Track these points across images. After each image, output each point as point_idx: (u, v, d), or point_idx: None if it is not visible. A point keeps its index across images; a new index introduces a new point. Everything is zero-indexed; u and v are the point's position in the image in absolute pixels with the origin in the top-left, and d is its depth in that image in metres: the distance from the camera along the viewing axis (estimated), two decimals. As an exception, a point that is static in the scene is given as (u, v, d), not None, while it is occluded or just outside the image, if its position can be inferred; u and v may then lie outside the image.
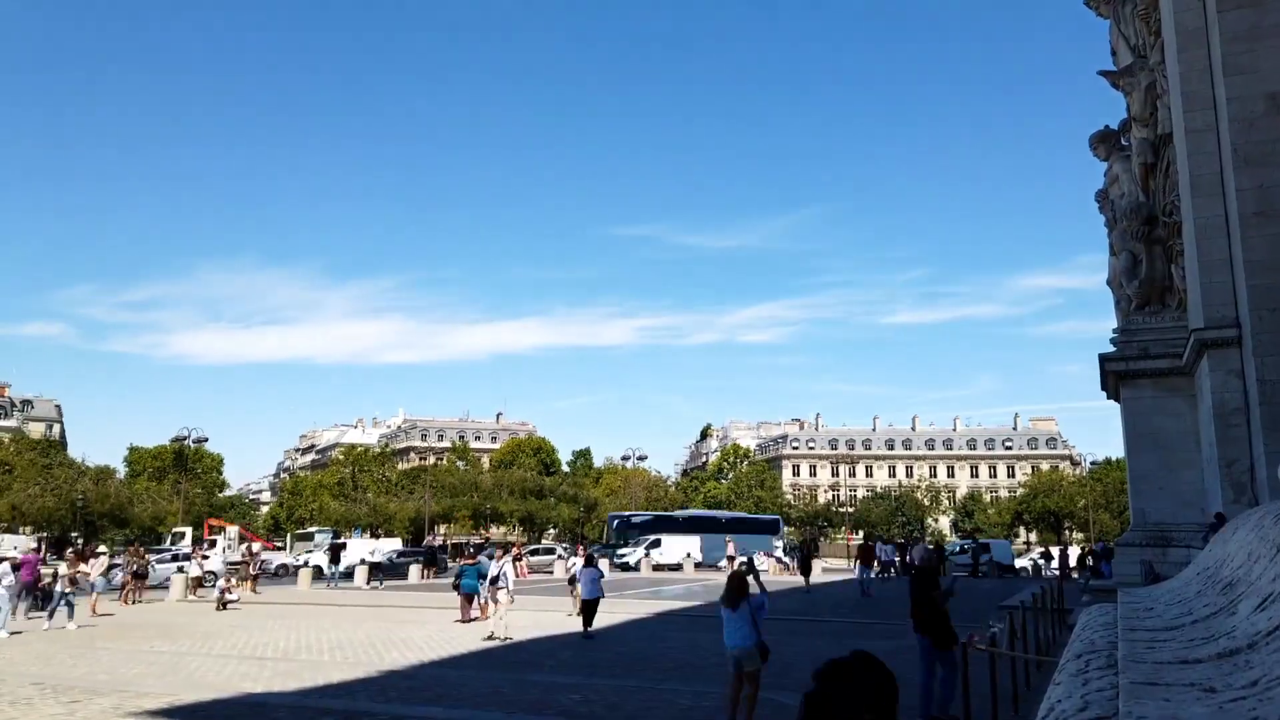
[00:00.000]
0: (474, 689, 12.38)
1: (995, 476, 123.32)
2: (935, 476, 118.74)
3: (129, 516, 77.43)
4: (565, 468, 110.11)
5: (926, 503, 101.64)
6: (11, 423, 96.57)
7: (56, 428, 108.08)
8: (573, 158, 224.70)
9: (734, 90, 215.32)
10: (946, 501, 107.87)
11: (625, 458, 74.21)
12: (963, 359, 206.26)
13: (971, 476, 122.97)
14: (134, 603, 27.88)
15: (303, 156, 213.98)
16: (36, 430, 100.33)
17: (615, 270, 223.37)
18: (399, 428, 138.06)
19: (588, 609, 18.43)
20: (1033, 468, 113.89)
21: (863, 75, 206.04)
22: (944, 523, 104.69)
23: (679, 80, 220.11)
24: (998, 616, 15.57)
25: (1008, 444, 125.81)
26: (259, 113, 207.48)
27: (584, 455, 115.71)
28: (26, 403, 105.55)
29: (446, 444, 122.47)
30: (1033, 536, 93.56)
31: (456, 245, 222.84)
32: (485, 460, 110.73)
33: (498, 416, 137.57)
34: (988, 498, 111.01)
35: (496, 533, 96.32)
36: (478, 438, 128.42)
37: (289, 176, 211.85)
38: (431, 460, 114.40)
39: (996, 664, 9.76)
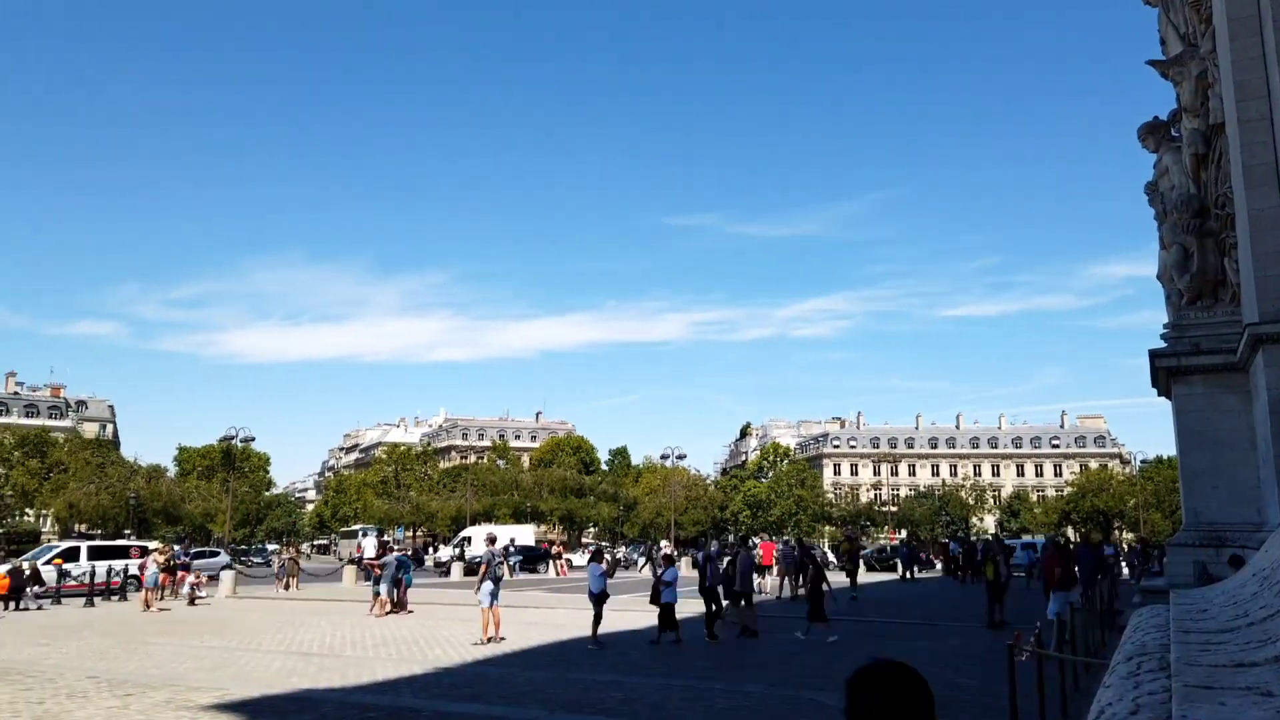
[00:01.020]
0: (516, 686, 12.47)
1: (1042, 475, 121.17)
2: (980, 475, 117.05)
3: (181, 514, 79.24)
4: (604, 467, 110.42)
5: (971, 502, 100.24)
6: (67, 423, 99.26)
7: (110, 427, 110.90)
8: (625, 146, 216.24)
9: (793, 72, 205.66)
10: (991, 501, 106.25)
11: (664, 456, 74.12)
12: (1027, 353, 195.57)
13: (1017, 475, 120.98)
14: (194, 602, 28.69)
15: (349, 150, 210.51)
16: (90, 430, 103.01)
17: (668, 262, 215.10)
18: (440, 427, 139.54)
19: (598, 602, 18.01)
20: (1081, 466, 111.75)
21: (929, 55, 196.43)
22: (989, 522, 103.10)
23: (734, 63, 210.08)
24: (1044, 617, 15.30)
25: (1055, 442, 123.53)
26: (304, 108, 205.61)
27: (622, 454, 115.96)
28: (81, 403, 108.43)
29: (486, 443, 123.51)
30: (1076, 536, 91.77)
31: (506, 238, 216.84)
32: (525, 459, 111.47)
33: (537, 415, 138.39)
34: (1034, 497, 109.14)
35: (537, 531, 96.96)
36: (517, 436, 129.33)
37: (335, 171, 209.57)
38: (472, 459, 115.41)
39: (1044, 666, 9.59)
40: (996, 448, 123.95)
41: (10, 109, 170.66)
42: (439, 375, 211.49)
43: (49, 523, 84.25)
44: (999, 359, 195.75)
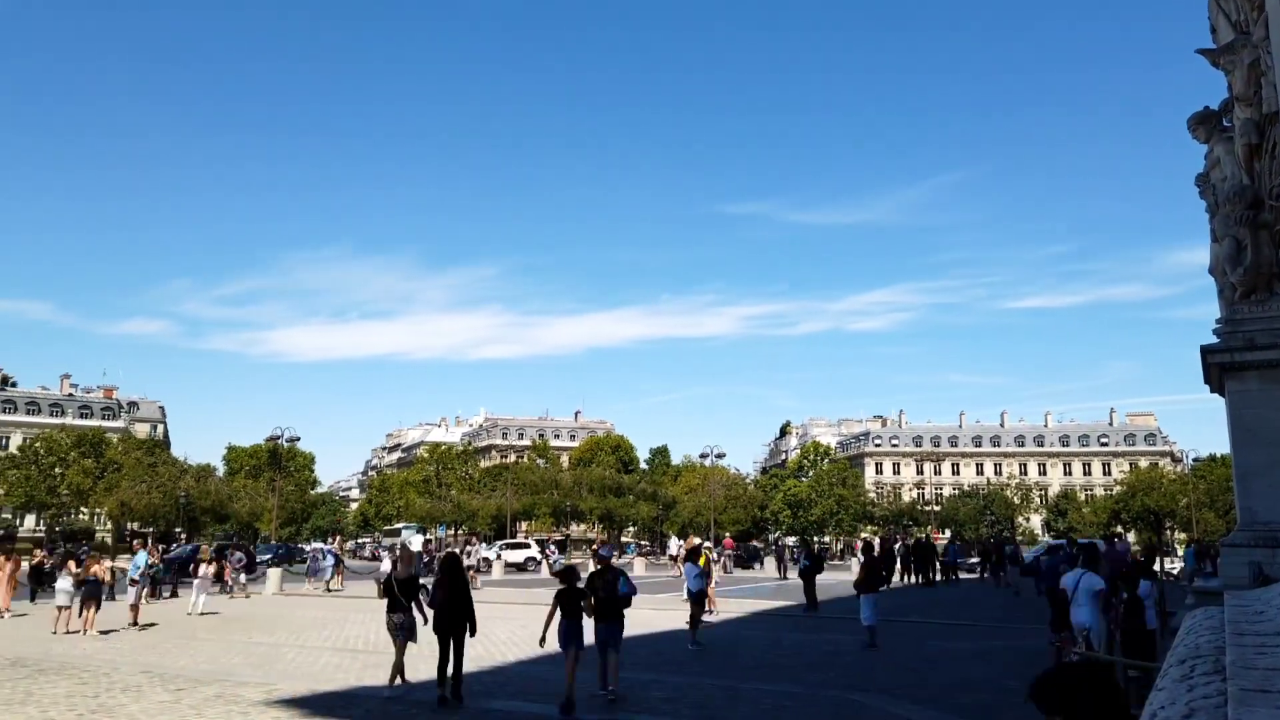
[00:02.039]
0: (556, 685, 12.51)
1: (1090, 474, 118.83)
2: (1026, 474, 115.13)
3: (229, 513, 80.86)
4: (643, 466, 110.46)
5: (1017, 501, 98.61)
6: (119, 424, 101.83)
7: (160, 428, 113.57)
8: (680, 131, 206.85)
9: (858, 49, 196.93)
10: (1038, 500, 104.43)
11: (704, 455, 73.97)
12: (1093, 347, 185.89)
13: (1065, 474, 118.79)
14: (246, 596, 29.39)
15: (395, 142, 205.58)
16: (142, 430, 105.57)
17: (723, 253, 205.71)
18: (480, 426, 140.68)
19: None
20: (1130, 465, 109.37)
21: (1001, 26, 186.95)
22: (1035, 522, 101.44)
23: (794, 40, 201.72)
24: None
25: (1104, 440, 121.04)
26: (348, 101, 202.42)
27: (661, 453, 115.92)
28: (133, 404, 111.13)
29: (526, 442, 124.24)
30: (1131, 536, 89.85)
31: (557, 229, 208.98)
32: (564, 458, 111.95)
33: (576, 415, 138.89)
34: (1082, 496, 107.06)
35: (577, 530, 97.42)
36: (557, 436, 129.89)
37: (381, 164, 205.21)
38: (512, 458, 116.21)
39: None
40: (1043, 446, 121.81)
41: (57, 113, 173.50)
42: (483, 373, 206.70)
43: (103, 521, 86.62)
44: (1063, 353, 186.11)
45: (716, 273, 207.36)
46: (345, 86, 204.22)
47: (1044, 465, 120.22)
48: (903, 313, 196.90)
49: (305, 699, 11.14)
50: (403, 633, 11.93)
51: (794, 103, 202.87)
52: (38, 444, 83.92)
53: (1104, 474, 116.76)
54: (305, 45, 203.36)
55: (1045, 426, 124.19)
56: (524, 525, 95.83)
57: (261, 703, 10.83)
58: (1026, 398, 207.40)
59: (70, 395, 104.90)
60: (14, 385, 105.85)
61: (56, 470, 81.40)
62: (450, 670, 10.94)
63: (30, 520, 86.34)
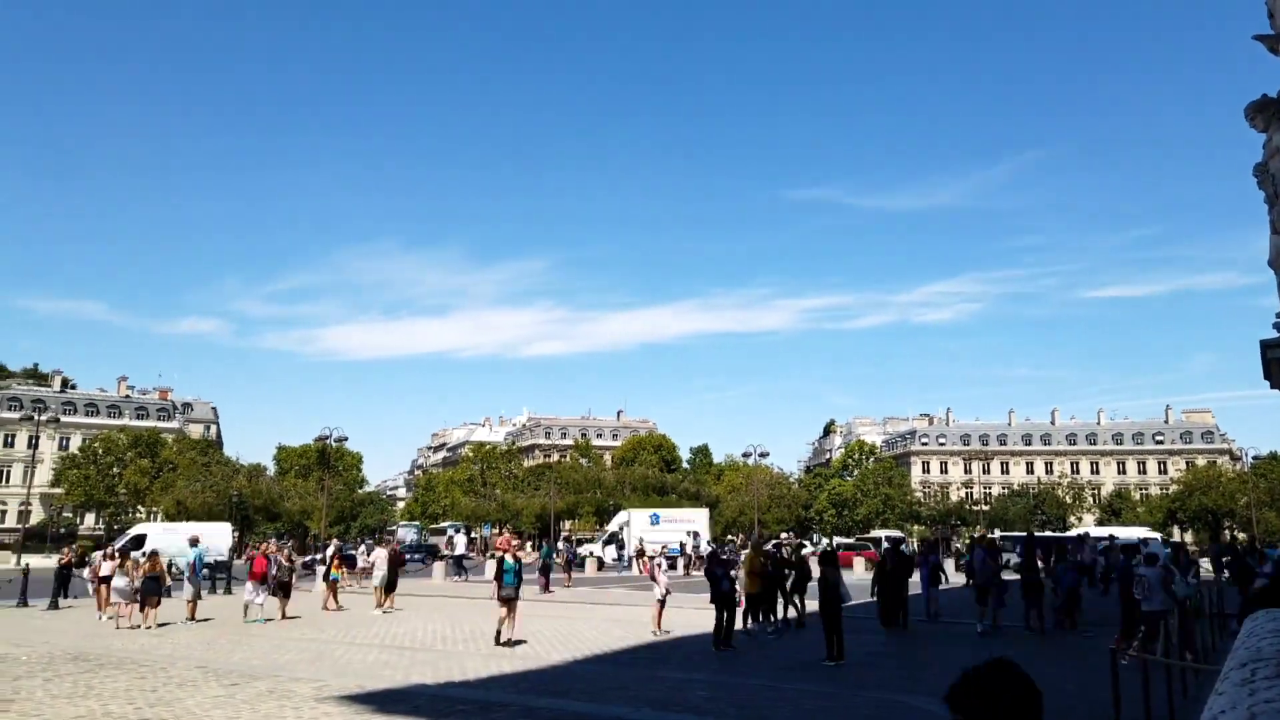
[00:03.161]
0: (602, 683, 12.55)
1: (1145, 473, 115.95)
2: (1078, 473, 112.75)
3: (280, 511, 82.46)
4: (685, 465, 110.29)
5: (1069, 500, 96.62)
6: (174, 424, 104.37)
7: (213, 428, 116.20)
8: (739, 113, 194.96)
9: (928, 18, 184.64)
10: (1090, 499, 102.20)
11: (746, 455, 73.62)
12: (1174, 338, 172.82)
13: (1118, 473, 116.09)
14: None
15: (440, 132, 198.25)
16: (195, 431, 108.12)
17: (782, 242, 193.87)
18: (524, 426, 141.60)
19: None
20: (1187, 463, 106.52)
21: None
22: (1088, 521, 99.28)
23: (860, 12, 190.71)
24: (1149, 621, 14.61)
25: (1158, 438, 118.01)
26: (392, 91, 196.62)
27: (704, 452, 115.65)
28: (187, 405, 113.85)
29: (569, 441, 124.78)
30: (1188, 536, 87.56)
31: (609, 219, 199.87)
32: (607, 457, 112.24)
33: (618, 414, 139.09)
34: (1136, 495, 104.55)
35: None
36: (599, 435, 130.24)
37: (426, 155, 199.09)
38: (555, 457, 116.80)
39: (1150, 672, 9.16)
40: (1095, 444, 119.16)
41: (105, 115, 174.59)
42: (531, 371, 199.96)
43: (159, 519, 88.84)
44: (1139, 346, 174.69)
45: (776, 263, 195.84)
46: (390, 80, 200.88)
47: (1096, 464, 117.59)
48: (970, 303, 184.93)
49: (355, 695, 11.31)
50: None
51: (862, 77, 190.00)
52: (96, 444, 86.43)
53: (1159, 472, 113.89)
54: (349, 40, 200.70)
55: (1098, 424, 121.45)
56: (567, 524, 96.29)
57: (312, 698, 11.02)
58: (1083, 395, 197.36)
59: (127, 397, 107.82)
60: (73, 387, 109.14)
61: (114, 470, 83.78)
62: None
63: (90, 519, 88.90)
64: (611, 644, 16.87)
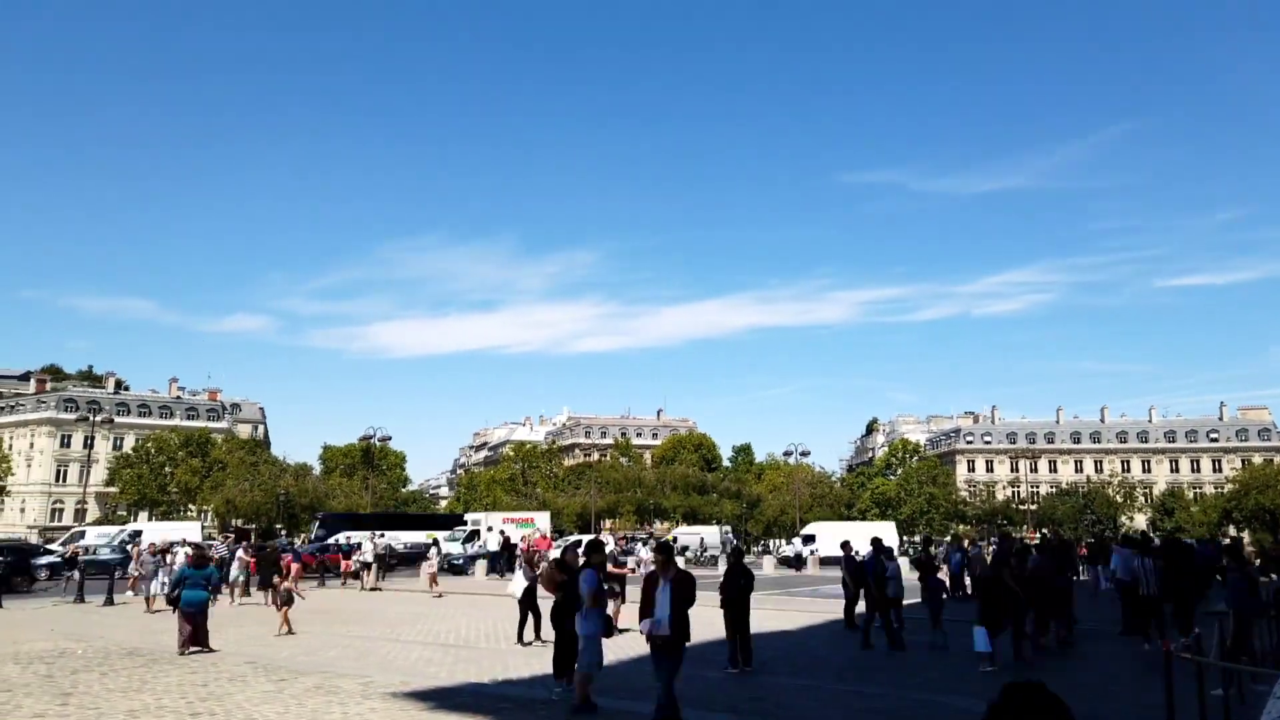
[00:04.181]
0: (645, 683, 12.54)
1: (1198, 471, 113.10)
2: (1129, 471, 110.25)
3: (325, 509, 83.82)
4: (726, 464, 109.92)
5: (1119, 500, 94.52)
6: (223, 424, 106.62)
7: (261, 428, 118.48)
8: (796, 91, 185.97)
9: None
10: (1142, 499, 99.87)
11: (788, 453, 73.17)
12: (1252, 329, 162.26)
13: (1171, 471, 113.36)
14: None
15: (485, 121, 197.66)
16: (244, 431, 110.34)
17: (842, 230, 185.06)
18: (564, 425, 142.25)
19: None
20: (1243, 461, 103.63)
21: None
22: (1140, 521, 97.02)
23: None
24: (1205, 622, 14.24)
25: (1213, 435, 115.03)
26: (439, 79, 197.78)
27: (745, 451, 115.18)
28: (235, 405, 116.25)
29: (609, 441, 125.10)
30: (1245, 535, 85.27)
31: (664, 207, 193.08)
32: (647, 456, 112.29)
33: (658, 413, 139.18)
34: (1190, 495, 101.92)
35: (660, 528, 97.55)
36: (639, 434, 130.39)
37: (472, 144, 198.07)
38: (595, 456, 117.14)
39: (1204, 674, 8.91)
40: (1147, 442, 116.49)
41: (147, 114, 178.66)
42: (575, 368, 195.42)
43: (209, 517, 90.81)
44: (1220, 338, 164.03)
45: (831, 253, 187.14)
46: (437, 71, 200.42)
47: (1148, 462, 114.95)
48: (1040, 294, 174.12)
49: (400, 692, 11.44)
50: None
51: (930, 45, 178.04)
52: (149, 444, 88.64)
53: (1214, 471, 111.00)
54: (396, 32, 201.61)
55: (1149, 421, 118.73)
56: (608, 523, 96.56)
57: (358, 695, 11.17)
58: (1137, 391, 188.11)
59: (178, 398, 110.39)
60: (126, 388, 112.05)
61: (166, 469, 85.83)
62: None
63: (143, 516, 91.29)
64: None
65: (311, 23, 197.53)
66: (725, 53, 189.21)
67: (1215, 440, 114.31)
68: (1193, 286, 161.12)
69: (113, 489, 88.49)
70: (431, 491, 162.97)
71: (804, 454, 71.10)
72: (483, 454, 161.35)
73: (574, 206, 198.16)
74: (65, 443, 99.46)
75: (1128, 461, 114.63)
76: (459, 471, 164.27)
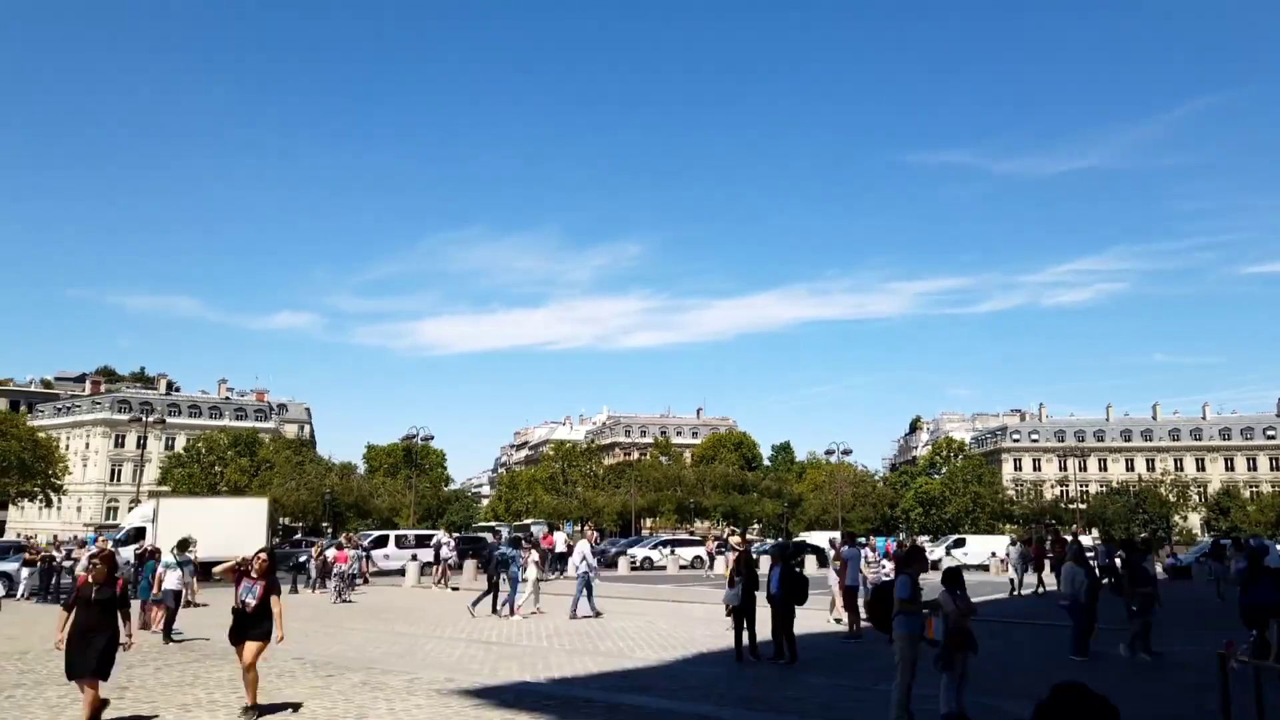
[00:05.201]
0: (687, 681, 12.53)
1: (1255, 469, 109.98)
2: (1182, 470, 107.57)
3: (369, 509, 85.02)
4: (766, 463, 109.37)
5: (1172, 499, 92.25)
6: (270, 424, 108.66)
7: (307, 428, 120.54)
8: (859, 65, 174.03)
9: None
10: (1196, 498, 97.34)
11: (829, 452, 72.61)
12: None
13: (1226, 470, 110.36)
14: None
15: (526, 107, 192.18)
16: (290, 431, 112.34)
17: (903, 216, 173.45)
18: (603, 424, 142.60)
19: None
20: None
21: None
22: (1194, 521, 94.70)
23: None
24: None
25: (1270, 433, 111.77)
26: (479, 65, 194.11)
27: (785, 450, 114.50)
28: (282, 406, 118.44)
29: (648, 440, 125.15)
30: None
31: (714, 195, 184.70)
32: (687, 455, 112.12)
33: (698, 412, 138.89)
34: (1246, 494, 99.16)
35: (700, 527, 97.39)
36: (679, 433, 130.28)
37: (515, 132, 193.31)
38: (635, 455, 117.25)
39: (1263, 679, 8.65)
40: (1200, 440, 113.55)
41: (189, 110, 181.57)
42: (619, 364, 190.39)
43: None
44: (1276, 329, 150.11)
45: (894, 240, 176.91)
46: (476, 57, 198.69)
47: (1202, 460, 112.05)
48: (1112, 283, 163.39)
49: (444, 689, 11.55)
50: None
51: (1001, 12, 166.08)
52: (200, 444, 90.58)
53: (1272, 469, 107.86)
54: (433, 20, 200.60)
55: (1203, 418, 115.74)
56: (648, 522, 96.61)
57: (404, 691, 11.31)
58: (1188, 388, 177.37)
59: (227, 399, 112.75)
60: (177, 389, 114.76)
61: (216, 469, 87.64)
62: None
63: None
64: (695, 642, 16.83)
65: (357, 13, 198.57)
66: (779, 25, 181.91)
67: (1273, 437, 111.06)
68: (1273, 275, 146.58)
69: (165, 488, 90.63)
70: (474, 491, 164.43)
71: (846, 452, 70.52)
72: (523, 453, 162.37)
73: (621, 195, 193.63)
74: (119, 443, 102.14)
75: (1181, 460, 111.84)
76: (500, 470, 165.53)
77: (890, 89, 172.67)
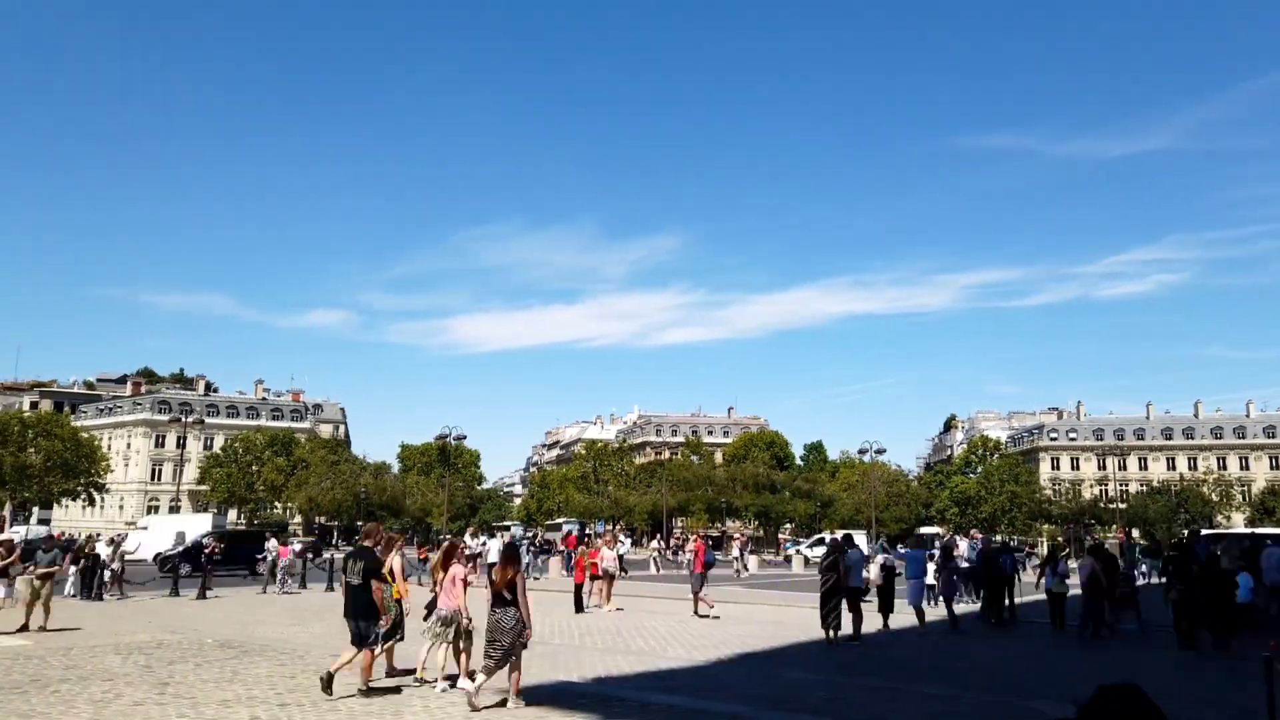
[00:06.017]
0: (720, 681, 12.49)
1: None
2: (1225, 469, 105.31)
3: (402, 508, 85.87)
4: (798, 462, 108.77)
5: (1215, 498, 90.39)
6: (306, 425, 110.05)
7: (341, 428, 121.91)
8: (906, 42, 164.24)
9: None
10: (1240, 497, 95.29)
11: (862, 451, 71.91)
12: None
13: (1271, 468, 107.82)
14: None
15: (561, 97, 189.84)
16: (325, 431, 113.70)
17: (953, 204, 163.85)
18: (634, 424, 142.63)
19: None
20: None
21: None
22: (1238, 520, 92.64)
23: None
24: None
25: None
26: (509, 53, 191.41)
27: (817, 449, 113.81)
28: (317, 406, 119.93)
29: (679, 439, 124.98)
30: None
31: (754, 185, 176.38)
32: (718, 454, 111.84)
33: (729, 411, 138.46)
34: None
35: (732, 526, 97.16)
36: (710, 433, 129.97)
37: (549, 123, 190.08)
38: (666, 455, 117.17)
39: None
40: (1244, 438, 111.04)
41: (222, 109, 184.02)
42: (653, 361, 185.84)
43: (293, 514, 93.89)
44: None
45: (944, 230, 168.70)
46: (506, 45, 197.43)
47: (1246, 459, 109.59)
48: (1169, 274, 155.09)
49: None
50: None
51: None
52: (237, 444, 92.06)
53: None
54: (464, 12, 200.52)
55: (1247, 416, 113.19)
56: (679, 521, 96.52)
57: (437, 689, 11.39)
58: (1228, 385, 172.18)
59: (263, 399, 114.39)
60: (215, 390, 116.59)
61: (253, 468, 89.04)
62: None
63: (231, 514, 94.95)
64: (728, 641, 16.76)
65: (392, 10, 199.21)
66: (818, 8, 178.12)
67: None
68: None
69: (204, 487, 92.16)
70: (506, 490, 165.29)
71: (879, 452, 69.80)
72: (555, 452, 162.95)
73: (658, 187, 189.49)
74: (159, 443, 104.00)
75: (1224, 458, 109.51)
76: (532, 470, 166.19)
77: (937, 69, 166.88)
